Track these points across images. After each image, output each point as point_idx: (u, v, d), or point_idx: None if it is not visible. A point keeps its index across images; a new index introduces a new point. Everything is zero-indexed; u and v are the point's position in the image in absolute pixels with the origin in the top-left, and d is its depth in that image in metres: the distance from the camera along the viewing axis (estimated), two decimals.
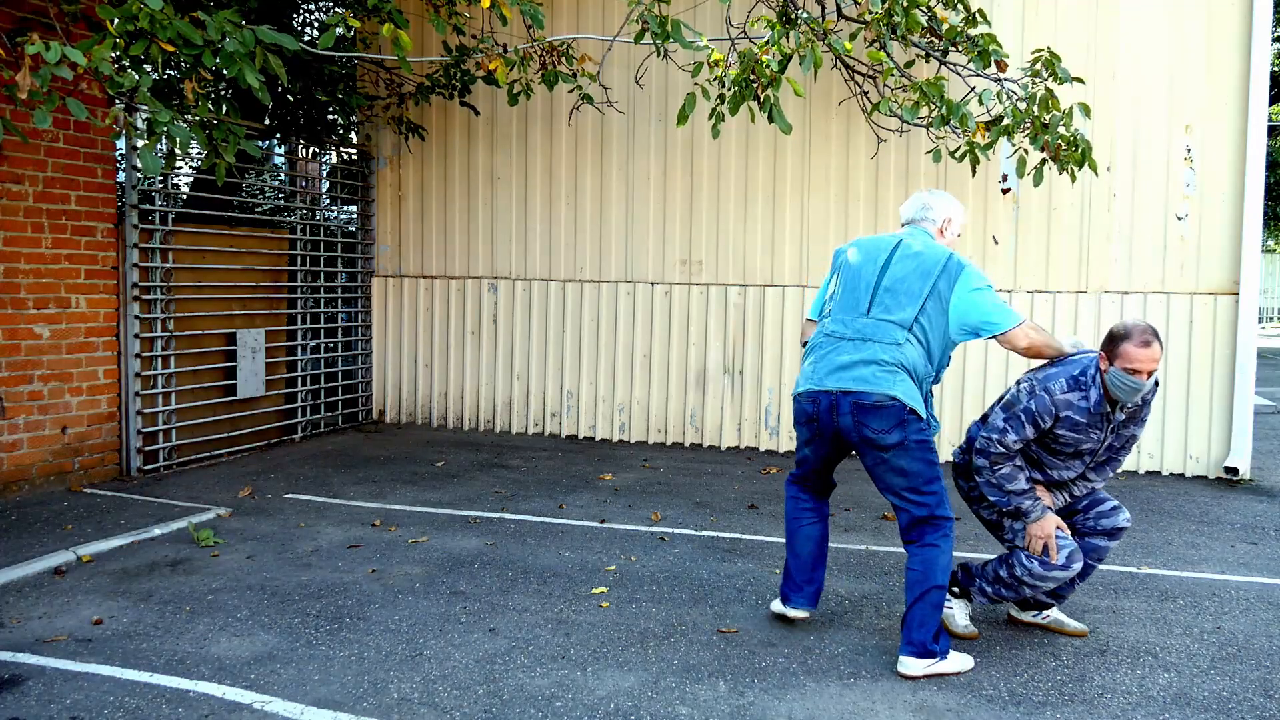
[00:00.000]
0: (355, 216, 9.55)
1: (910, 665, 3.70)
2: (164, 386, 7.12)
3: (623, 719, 3.37)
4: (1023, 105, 6.18)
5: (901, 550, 5.30)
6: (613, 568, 4.97)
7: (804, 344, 4.16)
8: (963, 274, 3.90)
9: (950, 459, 4.62)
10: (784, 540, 5.46)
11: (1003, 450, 3.84)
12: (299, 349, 8.45)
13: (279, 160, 10.92)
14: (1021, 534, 3.95)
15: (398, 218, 9.18)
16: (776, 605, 4.22)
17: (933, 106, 6.15)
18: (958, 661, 3.78)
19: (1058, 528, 3.88)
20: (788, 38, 5.81)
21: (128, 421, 6.84)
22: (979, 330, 3.89)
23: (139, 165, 6.68)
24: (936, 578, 3.73)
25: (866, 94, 7.26)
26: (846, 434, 3.82)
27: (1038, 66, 6.25)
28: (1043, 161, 6.39)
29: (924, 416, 3.81)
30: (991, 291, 3.92)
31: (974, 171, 6.68)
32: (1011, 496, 3.87)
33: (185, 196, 8.31)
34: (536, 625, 4.19)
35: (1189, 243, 7.19)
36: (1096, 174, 6.73)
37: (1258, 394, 10.58)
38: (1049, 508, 3.94)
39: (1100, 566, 5.05)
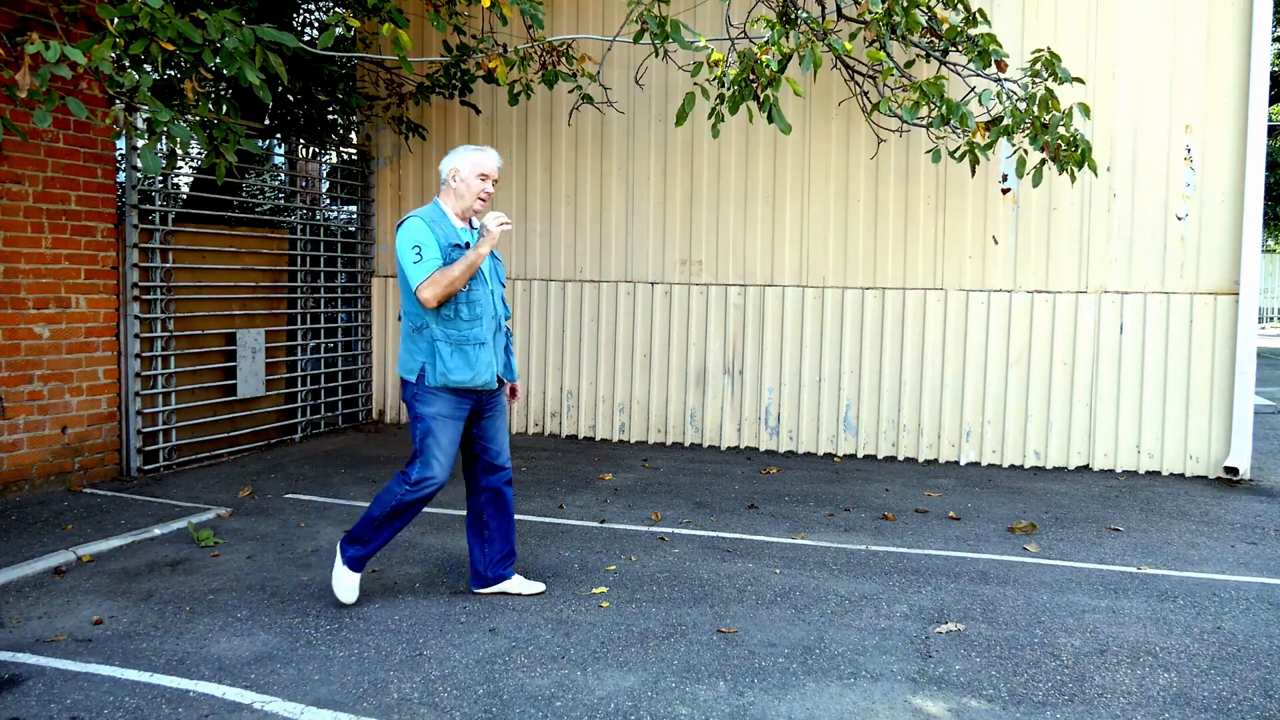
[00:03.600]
0: (355, 216, 9.55)
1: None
2: (164, 386, 7.12)
3: (623, 719, 3.37)
4: (1023, 105, 6.17)
5: (902, 550, 5.33)
6: (613, 568, 4.97)
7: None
8: (398, 233, 4.31)
9: None
10: (776, 539, 5.47)
11: None
12: (299, 349, 8.45)
13: (279, 160, 10.91)
14: None
15: (398, 218, 9.17)
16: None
17: (933, 106, 6.14)
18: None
19: None
20: (787, 38, 5.81)
21: (128, 421, 6.84)
22: (409, 284, 4.27)
23: (139, 165, 6.68)
24: (373, 506, 4.34)
25: (866, 94, 7.26)
26: None
27: (1038, 66, 6.25)
28: (1043, 161, 6.39)
29: (413, 380, 4.30)
30: (411, 249, 4.22)
31: (974, 171, 6.68)
32: None
33: (185, 196, 8.31)
34: (536, 625, 4.19)
35: (1189, 243, 7.19)
36: (1096, 174, 6.72)
37: (1258, 394, 10.59)
38: None
39: (1100, 567, 5.06)
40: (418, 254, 4.21)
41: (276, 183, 10.51)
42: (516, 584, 4.57)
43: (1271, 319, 27.57)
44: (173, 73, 8.40)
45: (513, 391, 4.63)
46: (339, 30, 5.75)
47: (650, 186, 8.38)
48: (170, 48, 4.77)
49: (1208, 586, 4.78)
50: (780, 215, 8.04)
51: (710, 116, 6.34)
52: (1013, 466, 7.56)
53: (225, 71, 5.21)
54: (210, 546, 5.28)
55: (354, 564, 4.37)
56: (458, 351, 4.24)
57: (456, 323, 4.25)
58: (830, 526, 5.80)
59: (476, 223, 4.40)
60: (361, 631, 4.10)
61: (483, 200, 4.37)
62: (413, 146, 8.99)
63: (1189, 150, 7.14)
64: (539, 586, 4.60)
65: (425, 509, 6.07)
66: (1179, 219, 7.19)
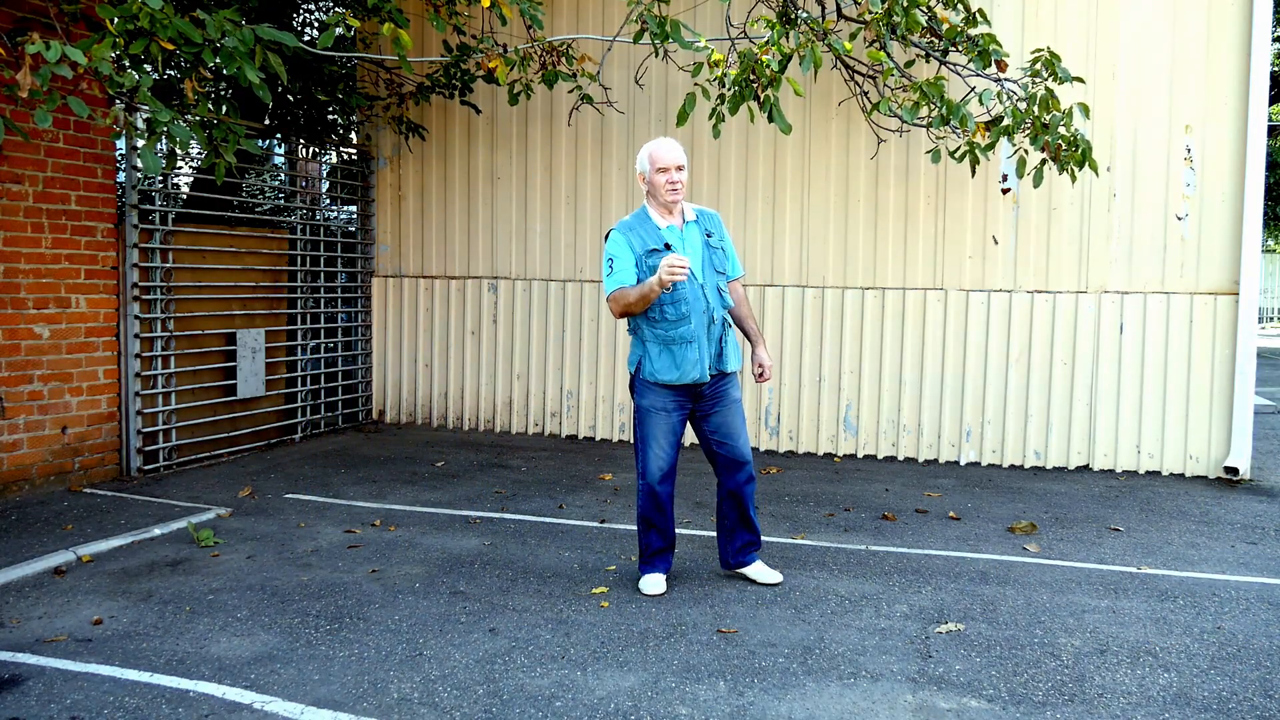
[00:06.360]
0: (355, 216, 9.55)
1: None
2: (164, 386, 7.12)
3: (623, 719, 3.37)
4: (1023, 105, 6.18)
5: (902, 550, 5.32)
6: (613, 568, 4.97)
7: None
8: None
9: None
10: (776, 539, 5.47)
11: None
12: (299, 349, 8.45)
13: (279, 160, 10.92)
14: None
15: (398, 218, 9.18)
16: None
17: (933, 106, 6.15)
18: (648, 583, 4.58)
19: None
20: (788, 38, 5.81)
21: (128, 421, 6.84)
22: None
23: (139, 165, 6.68)
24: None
25: (866, 94, 7.26)
26: None
27: (1038, 66, 6.25)
28: (1043, 162, 6.39)
29: (633, 372, 4.56)
30: (606, 261, 4.45)
31: (974, 171, 6.68)
32: None
33: (185, 196, 8.31)
34: (536, 625, 4.19)
35: (1189, 243, 7.19)
36: (1097, 174, 6.73)
37: (1258, 394, 10.59)
38: None
39: (1100, 567, 5.06)
40: (609, 267, 4.43)
41: (276, 183, 10.51)
42: (754, 569, 4.72)
43: (1271, 319, 27.56)
44: (173, 73, 8.40)
45: (760, 374, 4.65)
46: (339, 30, 5.76)
47: None
48: (170, 48, 4.77)
49: (1208, 586, 4.78)
50: (780, 215, 8.04)
51: (711, 117, 6.34)
52: (1013, 466, 7.56)
53: (225, 71, 5.21)
54: (210, 546, 5.28)
55: (644, 569, 4.68)
56: (665, 351, 4.42)
57: (663, 324, 4.41)
58: (830, 526, 5.80)
59: (689, 214, 4.54)
60: (361, 631, 4.10)
61: (674, 190, 4.39)
62: (413, 146, 8.99)
63: (1189, 150, 7.14)
64: (776, 576, 4.72)
65: (426, 509, 6.09)
66: (1179, 219, 7.19)
